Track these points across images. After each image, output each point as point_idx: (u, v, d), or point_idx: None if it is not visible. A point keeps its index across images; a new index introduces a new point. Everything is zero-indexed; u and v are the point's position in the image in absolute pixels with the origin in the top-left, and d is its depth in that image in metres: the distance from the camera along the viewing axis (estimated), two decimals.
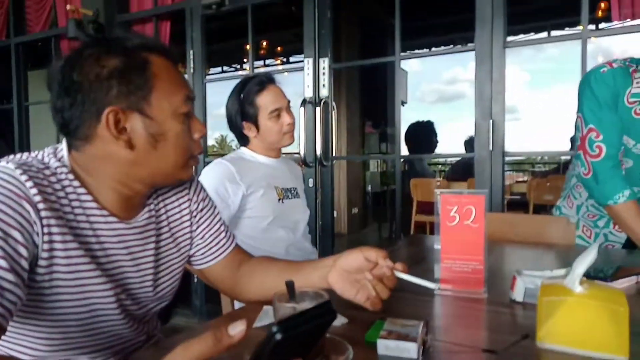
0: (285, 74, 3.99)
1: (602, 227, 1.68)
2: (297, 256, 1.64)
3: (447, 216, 1.09)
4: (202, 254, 1.04)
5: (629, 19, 2.32)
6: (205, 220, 1.04)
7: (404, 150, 3.97)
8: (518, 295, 1.00)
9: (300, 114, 2.70)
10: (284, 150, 1.81)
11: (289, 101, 1.73)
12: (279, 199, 1.67)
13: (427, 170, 4.19)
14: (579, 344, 0.73)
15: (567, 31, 6.10)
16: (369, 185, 6.79)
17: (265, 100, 1.65)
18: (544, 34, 6.25)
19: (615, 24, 2.38)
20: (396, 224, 3.03)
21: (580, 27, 2.32)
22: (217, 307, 1.47)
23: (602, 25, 4.51)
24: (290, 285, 0.75)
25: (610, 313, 0.71)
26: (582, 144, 1.56)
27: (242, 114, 1.67)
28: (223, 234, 1.07)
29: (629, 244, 1.62)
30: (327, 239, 2.82)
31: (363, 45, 6.29)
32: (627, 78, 1.45)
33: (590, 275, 1.16)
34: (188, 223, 1.01)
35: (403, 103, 6.89)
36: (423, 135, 3.79)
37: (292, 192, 1.72)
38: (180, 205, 1.00)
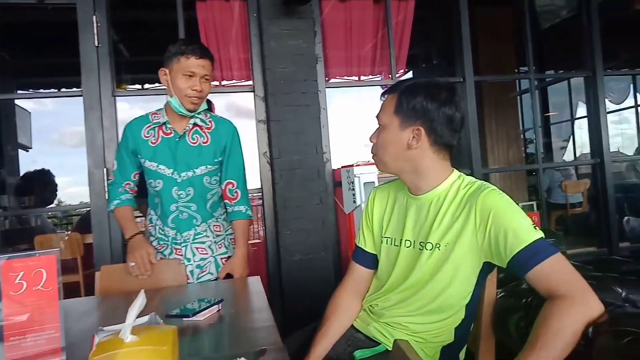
0: None
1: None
2: None
3: (12, 285, 0.95)
4: None
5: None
6: None
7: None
8: None
9: None
10: None
11: None
12: None
13: (47, 225, 3.71)
14: None
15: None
16: None
17: None
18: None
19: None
20: None
21: None
22: None
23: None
24: None
25: (155, 354, 0.75)
26: None
27: None
28: None
29: None
30: None
31: None
32: (145, 120, 1.84)
33: (178, 314, 1.25)
34: None
35: (26, 148, 5.94)
36: (36, 186, 3.34)
37: None
38: None
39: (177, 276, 1.82)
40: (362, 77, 2.98)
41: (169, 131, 1.80)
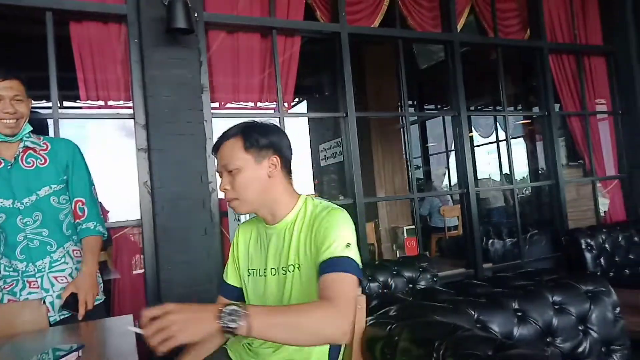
0: None
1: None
2: None
3: None
4: None
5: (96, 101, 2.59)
6: None
7: None
8: None
9: None
10: None
11: None
12: None
13: None
14: None
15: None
16: None
17: None
18: None
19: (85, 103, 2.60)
20: None
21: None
22: None
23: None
24: None
25: None
26: None
27: None
28: None
29: None
30: None
31: None
32: None
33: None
34: None
35: None
36: None
37: None
38: None
39: (37, 318, 1.64)
40: (252, 107, 3.01)
41: None
